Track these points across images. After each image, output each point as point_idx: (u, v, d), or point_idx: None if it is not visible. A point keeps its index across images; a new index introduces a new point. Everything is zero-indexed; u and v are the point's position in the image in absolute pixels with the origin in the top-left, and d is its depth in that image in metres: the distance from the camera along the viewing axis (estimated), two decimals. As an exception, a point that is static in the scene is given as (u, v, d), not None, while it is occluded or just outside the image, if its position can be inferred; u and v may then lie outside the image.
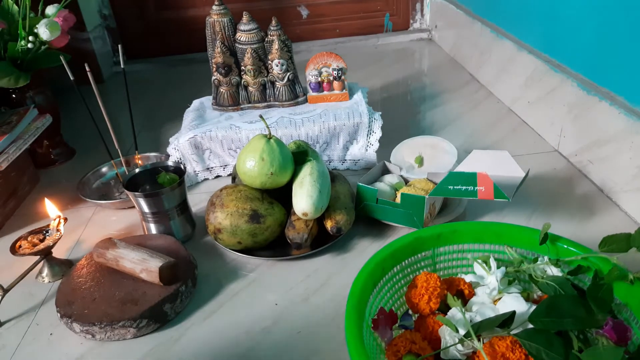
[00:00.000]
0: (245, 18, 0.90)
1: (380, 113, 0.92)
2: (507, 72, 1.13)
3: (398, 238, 0.56)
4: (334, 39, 1.71)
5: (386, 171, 0.84)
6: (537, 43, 1.01)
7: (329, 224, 0.70)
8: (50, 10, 0.96)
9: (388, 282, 0.54)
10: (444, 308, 0.51)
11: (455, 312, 0.48)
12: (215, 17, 0.90)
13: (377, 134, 0.91)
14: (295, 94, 0.96)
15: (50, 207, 0.75)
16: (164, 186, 0.75)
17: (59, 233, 0.72)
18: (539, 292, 0.52)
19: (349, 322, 0.45)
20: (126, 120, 0.89)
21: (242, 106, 0.97)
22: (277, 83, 0.94)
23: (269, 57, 0.92)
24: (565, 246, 0.53)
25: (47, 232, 0.73)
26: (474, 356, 0.45)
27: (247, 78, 0.94)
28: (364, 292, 0.49)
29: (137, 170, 0.78)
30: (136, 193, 0.72)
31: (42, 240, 0.71)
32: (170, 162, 0.80)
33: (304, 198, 0.68)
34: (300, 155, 0.74)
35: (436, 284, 0.50)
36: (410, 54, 1.59)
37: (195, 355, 0.58)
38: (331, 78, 0.94)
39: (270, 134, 0.71)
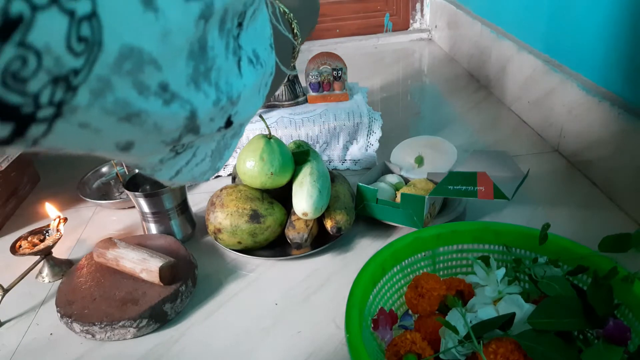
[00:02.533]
0: (245, 18, 0.90)
1: (380, 113, 0.92)
2: (507, 72, 1.13)
3: (398, 238, 0.56)
4: (334, 39, 1.71)
5: (386, 171, 0.84)
6: (537, 43, 1.01)
7: (329, 224, 0.70)
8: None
9: (388, 282, 0.54)
10: (444, 309, 0.51)
11: (455, 313, 0.48)
12: (215, 17, 0.90)
13: (377, 134, 0.91)
14: (295, 94, 0.96)
15: (51, 210, 0.75)
16: (164, 186, 0.75)
17: (59, 233, 0.72)
18: (539, 293, 0.52)
19: (349, 322, 0.45)
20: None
21: (242, 106, 0.97)
22: (277, 83, 0.94)
23: (269, 57, 0.92)
24: (566, 246, 0.53)
25: (47, 232, 0.73)
26: (474, 357, 0.45)
27: (247, 78, 0.94)
28: (364, 292, 0.49)
29: (137, 170, 0.78)
30: (136, 193, 0.72)
31: (42, 240, 0.71)
32: (170, 162, 0.80)
33: (304, 198, 0.68)
34: (300, 155, 0.74)
35: (436, 285, 0.50)
36: (410, 54, 1.59)
37: (195, 355, 0.58)
38: (331, 78, 0.94)
39: (270, 133, 0.71)
